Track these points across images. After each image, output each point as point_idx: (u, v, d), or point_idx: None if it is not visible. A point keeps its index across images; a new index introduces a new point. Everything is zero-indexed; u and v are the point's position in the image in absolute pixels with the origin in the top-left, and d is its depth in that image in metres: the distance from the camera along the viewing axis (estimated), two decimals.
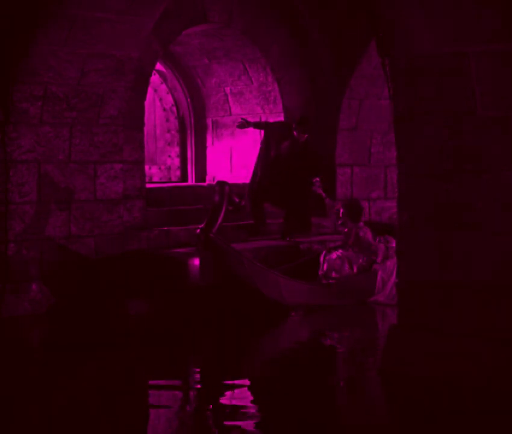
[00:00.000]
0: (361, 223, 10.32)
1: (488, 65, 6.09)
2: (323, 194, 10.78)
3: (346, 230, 10.31)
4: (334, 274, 10.05)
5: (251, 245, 10.40)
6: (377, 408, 6.28)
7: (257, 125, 11.43)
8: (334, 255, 10.16)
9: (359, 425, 5.82)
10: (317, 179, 10.71)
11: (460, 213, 6.28)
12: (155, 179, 12.48)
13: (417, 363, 6.42)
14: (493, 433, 5.53)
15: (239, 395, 6.63)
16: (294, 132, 10.80)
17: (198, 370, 7.56)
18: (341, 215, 10.31)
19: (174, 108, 12.80)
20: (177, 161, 12.82)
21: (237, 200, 9.44)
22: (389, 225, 11.21)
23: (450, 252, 6.35)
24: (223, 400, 6.47)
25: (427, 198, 6.43)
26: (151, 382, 7.04)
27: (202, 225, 9.10)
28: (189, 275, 9.43)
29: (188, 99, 12.77)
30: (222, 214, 9.14)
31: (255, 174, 11.17)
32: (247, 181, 11.34)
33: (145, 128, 10.71)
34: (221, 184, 9.31)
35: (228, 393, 6.71)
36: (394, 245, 10.13)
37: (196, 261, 9.37)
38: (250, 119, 11.74)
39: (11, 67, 9.15)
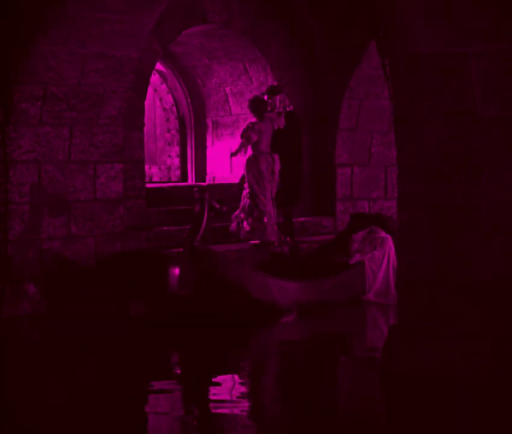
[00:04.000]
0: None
1: (488, 65, 6.10)
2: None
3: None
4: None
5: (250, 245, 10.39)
6: (377, 408, 6.29)
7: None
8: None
9: (359, 425, 5.82)
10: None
11: (460, 213, 6.28)
12: (155, 179, 12.47)
13: (417, 363, 6.42)
14: (492, 433, 5.54)
15: (230, 392, 6.67)
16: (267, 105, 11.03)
17: (194, 369, 7.59)
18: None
19: (174, 108, 12.79)
20: (177, 161, 12.81)
21: (218, 206, 9.44)
22: (377, 215, 11.19)
23: (450, 252, 6.35)
24: (213, 396, 6.53)
25: (427, 197, 6.43)
26: (149, 381, 7.05)
27: (185, 235, 9.11)
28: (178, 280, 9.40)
29: (188, 99, 12.76)
30: (204, 221, 9.13)
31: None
32: None
33: (145, 128, 10.71)
34: (201, 191, 9.31)
35: (218, 388, 6.76)
36: (382, 235, 10.16)
37: (177, 270, 9.32)
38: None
39: (11, 68, 9.15)
